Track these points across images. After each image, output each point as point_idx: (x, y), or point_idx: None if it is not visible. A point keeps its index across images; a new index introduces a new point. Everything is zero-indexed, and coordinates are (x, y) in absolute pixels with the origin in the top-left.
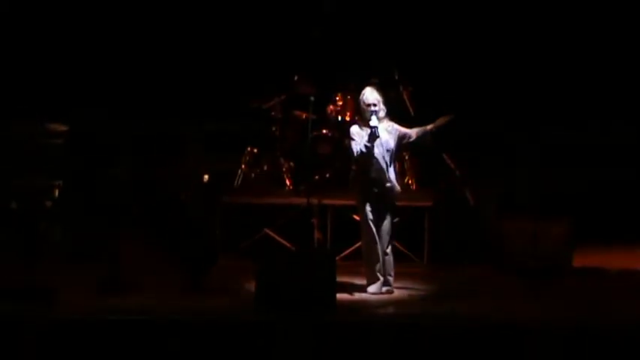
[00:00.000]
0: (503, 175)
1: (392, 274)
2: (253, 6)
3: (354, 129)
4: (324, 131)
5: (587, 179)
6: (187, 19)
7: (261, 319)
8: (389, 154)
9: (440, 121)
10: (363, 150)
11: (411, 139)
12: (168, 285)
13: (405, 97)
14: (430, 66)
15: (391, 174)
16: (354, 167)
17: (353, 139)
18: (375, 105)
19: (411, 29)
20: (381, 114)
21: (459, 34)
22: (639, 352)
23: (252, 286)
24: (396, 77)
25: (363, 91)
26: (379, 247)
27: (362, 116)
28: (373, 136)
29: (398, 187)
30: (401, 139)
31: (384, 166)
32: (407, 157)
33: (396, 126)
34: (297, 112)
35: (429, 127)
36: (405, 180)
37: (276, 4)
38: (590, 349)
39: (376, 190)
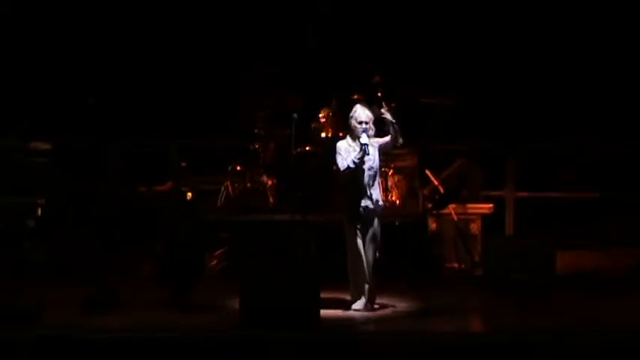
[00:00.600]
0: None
1: (375, 290)
2: (236, 24)
3: (342, 144)
4: (308, 148)
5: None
6: (171, 35)
7: (245, 336)
8: (374, 170)
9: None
10: (351, 165)
11: (388, 142)
12: (153, 302)
13: (388, 114)
14: (416, 82)
15: (376, 190)
16: (339, 183)
17: (339, 155)
18: (366, 123)
19: (393, 46)
20: (371, 132)
21: (442, 50)
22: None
23: (236, 302)
24: (379, 94)
25: (355, 109)
26: (364, 263)
27: (351, 133)
28: (363, 153)
29: (382, 204)
30: (381, 149)
31: (370, 182)
32: (391, 174)
33: (376, 140)
34: (281, 129)
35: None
36: (389, 196)
37: (258, 21)
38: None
39: (362, 206)
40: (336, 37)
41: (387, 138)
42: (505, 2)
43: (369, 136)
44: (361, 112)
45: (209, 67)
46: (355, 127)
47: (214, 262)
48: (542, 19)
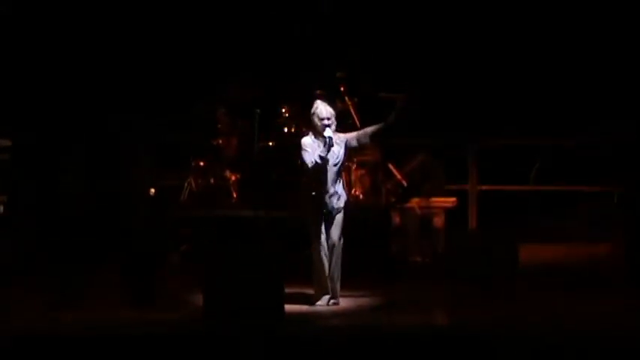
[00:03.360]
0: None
1: (338, 285)
2: (203, 19)
3: (306, 140)
4: (270, 143)
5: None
6: (133, 31)
7: (209, 331)
8: (339, 165)
9: (395, 111)
10: (318, 161)
11: (362, 142)
12: (117, 299)
13: (351, 108)
14: (379, 77)
15: (340, 186)
16: (304, 179)
17: (305, 151)
18: (328, 119)
19: (359, 39)
20: (334, 127)
21: (405, 45)
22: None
23: (200, 298)
24: (342, 89)
25: (315, 105)
26: (328, 258)
27: (314, 129)
28: (329, 147)
29: (345, 199)
30: (348, 146)
31: (335, 177)
32: (354, 168)
33: (342, 135)
34: (243, 124)
35: (378, 125)
36: (353, 190)
37: (228, 15)
38: (548, 352)
39: (327, 202)
40: (299, 33)
41: (359, 135)
42: None
43: (332, 131)
44: (322, 109)
45: (175, 64)
46: (317, 123)
47: (178, 257)
48: (503, 13)
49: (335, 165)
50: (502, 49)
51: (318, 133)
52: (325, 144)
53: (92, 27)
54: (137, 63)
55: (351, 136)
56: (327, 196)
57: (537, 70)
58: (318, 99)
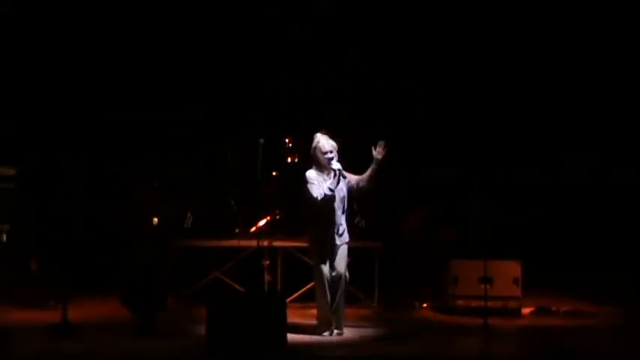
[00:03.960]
0: (455, 217)
1: (343, 316)
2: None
3: (312, 174)
4: (274, 173)
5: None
6: (135, 56)
7: None
8: (344, 199)
9: (377, 156)
10: (327, 193)
11: (360, 186)
12: (119, 328)
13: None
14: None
15: (344, 219)
16: (310, 211)
17: (312, 184)
18: (331, 152)
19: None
20: (336, 159)
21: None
22: None
23: (202, 329)
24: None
25: (317, 139)
26: (331, 290)
27: (317, 163)
28: (338, 178)
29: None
30: (351, 187)
31: (340, 210)
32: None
33: (347, 174)
34: (248, 154)
35: (370, 169)
36: (355, 221)
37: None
38: None
39: (333, 236)
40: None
41: (358, 180)
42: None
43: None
44: (325, 143)
45: (176, 92)
46: (319, 157)
47: (181, 288)
48: (487, 41)
49: (341, 199)
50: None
51: (323, 167)
52: (335, 175)
53: (97, 50)
54: (142, 91)
55: (352, 177)
56: (334, 230)
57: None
58: (317, 133)
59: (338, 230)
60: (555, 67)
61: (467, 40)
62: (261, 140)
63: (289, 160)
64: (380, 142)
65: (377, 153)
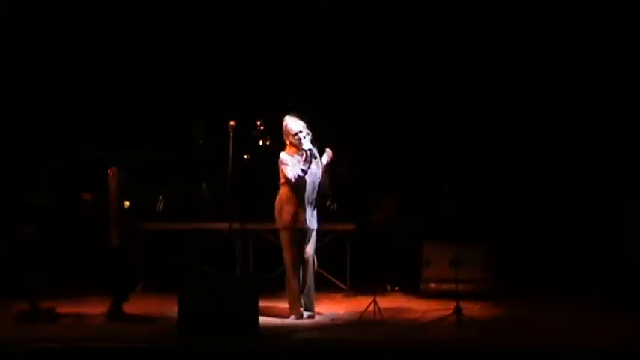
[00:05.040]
0: (425, 200)
1: (313, 299)
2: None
3: (285, 155)
4: (246, 156)
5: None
6: (111, 46)
7: (183, 346)
8: (316, 183)
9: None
10: (301, 174)
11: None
12: (91, 312)
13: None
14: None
15: (317, 201)
16: (283, 192)
17: (287, 165)
18: (300, 132)
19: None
20: (309, 138)
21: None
22: None
23: (174, 312)
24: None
25: (285, 122)
26: (302, 272)
27: (290, 145)
28: (311, 158)
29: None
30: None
31: (313, 195)
32: (327, 181)
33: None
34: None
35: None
36: (327, 204)
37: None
38: None
39: (305, 218)
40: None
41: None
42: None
43: (310, 142)
44: (292, 124)
45: (149, 77)
46: (291, 140)
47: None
48: (475, 33)
49: (312, 181)
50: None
51: (296, 149)
52: (306, 156)
53: (77, 40)
54: (114, 77)
55: (324, 162)
56: (305, 213)
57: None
58: (286, 116)
59: (310, 213)
60: (534, 60)
61: (453, 31)
62: (233, 123)
63: (261, 143)
64: (327, 151)
65: (324, 160)
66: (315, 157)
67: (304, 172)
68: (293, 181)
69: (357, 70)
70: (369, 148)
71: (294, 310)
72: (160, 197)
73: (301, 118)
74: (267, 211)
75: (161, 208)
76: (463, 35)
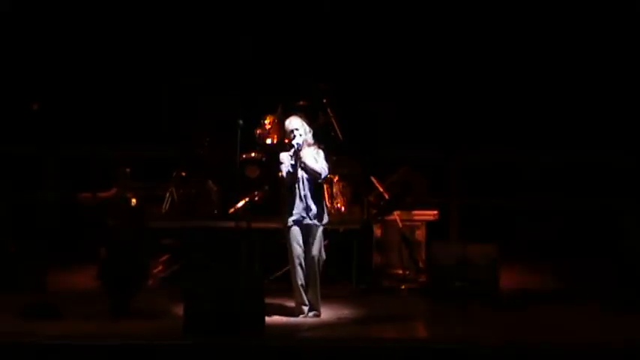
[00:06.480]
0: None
1: (319, 297)
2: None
3: (283, 154)
4: (253, 154)
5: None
6: (113, 43)
7: (189, 344)
8: (306, 178)
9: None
10: (290, 171)
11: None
12: (96, 309)
13: (333, 121)
14: (360, 88)
15: (315, 202)
16: (282, 191)
17: (282, 163)
18: (296, 130)
19: (337, 53)
20: (301, 139)
21: (388, 58)
22: None
23: (180, 310)
24: (324, 101)
25: (288, 118)
26: (306, 271)
27: (288, 142)
28: (296, 154)
29: (326, 217)
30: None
31: (310, 190)
32: (336, 180)
33: (323, 154)
34: (226, 135)
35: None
36: (335, 203)
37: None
38: None
39: (301, 216)
40: (279, 44)
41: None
42: (445, 8)
43: (304, 141)
44: (287, 122)
45: (152, 75)
46: (288, 135)
47: (159, 268)
48: (482, 26)
49: (308, 180)
50: (485, 61)
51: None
52: (294, 151)
53: (73, 37)
54: (118, 74)
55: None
56: (300, 210)
57: (518, 85)
58: (297, 110)
59: (307, 210)
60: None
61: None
62: (241, 121)
63: (268, 141)
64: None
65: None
66: (300, 150)
67: (293, 167)
68: (285, 178)
69: (361, 69)
70: (370, 148)
71: (298, 308)
72: (167, 195)
73: (304, 118)
74: (276, 210)
75: (167, 206)
76: (477, 30)
